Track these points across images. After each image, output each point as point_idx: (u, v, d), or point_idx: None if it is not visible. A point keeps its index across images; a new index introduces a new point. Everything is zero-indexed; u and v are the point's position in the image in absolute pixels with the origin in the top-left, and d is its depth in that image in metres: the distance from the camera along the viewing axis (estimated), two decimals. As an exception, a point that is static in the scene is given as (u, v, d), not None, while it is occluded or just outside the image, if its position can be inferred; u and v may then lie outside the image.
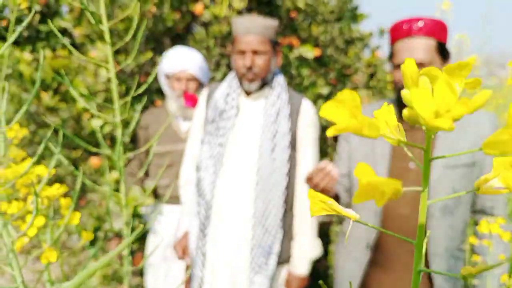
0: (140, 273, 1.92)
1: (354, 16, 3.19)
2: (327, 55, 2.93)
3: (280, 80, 1.49)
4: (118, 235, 1.72)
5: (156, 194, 1.79)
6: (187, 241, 1.52)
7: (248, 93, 1.48)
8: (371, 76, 3.18)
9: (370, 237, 1.26)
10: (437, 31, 1.17)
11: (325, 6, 2.48)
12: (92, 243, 1.70)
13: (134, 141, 1.93)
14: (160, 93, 2.13)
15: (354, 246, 1.31)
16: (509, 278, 0.88)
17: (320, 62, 2.82)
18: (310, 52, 2.22)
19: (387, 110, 0.28)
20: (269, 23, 1.39)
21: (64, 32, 2.20)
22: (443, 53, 1.18)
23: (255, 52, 1.39)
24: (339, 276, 1.37)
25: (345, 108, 0.22)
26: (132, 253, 1.85)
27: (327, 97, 2.52)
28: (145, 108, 1.92)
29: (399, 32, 1.21)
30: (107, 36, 0.61)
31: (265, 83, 1.46)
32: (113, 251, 0.22)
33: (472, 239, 1.01)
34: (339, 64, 3.02)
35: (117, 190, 1.77)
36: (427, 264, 1.20)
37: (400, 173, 1.23)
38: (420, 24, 1.17)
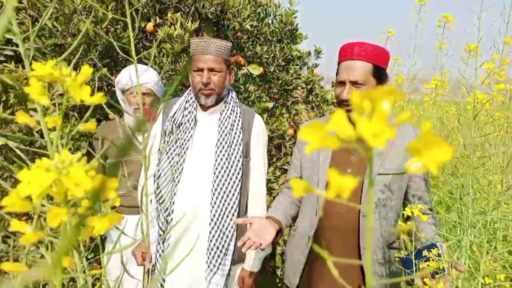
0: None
1: (294, 37, 3.46)
2: (270, 72, 3.16)
3: (233, 96, 1.65)
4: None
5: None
6: (145, 247, 1.60)
7: (204, 108, 1.62)
8: (310, 91, 3.46)
9: (311, 232, 1.46)
10: (374, 56, 1.37)
11: (268, 27, 2.70)
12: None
13: (88, 153, 1.97)
14: (112, 107, 2.19)
15: (299, 239, 1.51)
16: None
17: (264, 78, 3.04)
18: (256, 70, 2.42)
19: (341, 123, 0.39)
20: (224, 45, 1.56)
21: (8, 43, 2.19)
22: (378, 75, 1.39)
23: (211, 70, 1.54)
24: (288, 264, 1.57)
25: (316, 133, 0.36)
26: (88, 263, 1.87)
27: (271, 111, 2.73)
28: (99, 121, 1.98)
29: (344, 54, 1.43)
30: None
31: (220, 98, 1.61)
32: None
33: (408, 210, 1.15)
34: (281, 80, 3.26)
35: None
36: (359, 254, 1.41)
37: (341, 159, 1.45)
38: (360, 49, 1.39)
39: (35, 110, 1.76)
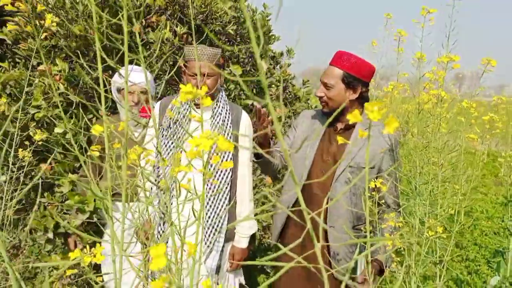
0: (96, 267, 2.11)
1: (268, 38, 3.70)
2: (247, 70, 3.39)
3: (223, 94, 1.88)
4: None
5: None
6: (149, 227, 1.80)
7: (197, 105, 1.83)
8: (283, 89, 3.72)
9: (291, 201, 1.73)
10: (349, 65, 1.61)
11: (247, 30, 2.93)
12: (52, 240, 1.86)
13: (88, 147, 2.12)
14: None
15: (282, 205, 1.80)
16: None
17: (241, 77, 3.27)
18: (238, 71, 2.64)
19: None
20: (215, 51, 1.77)
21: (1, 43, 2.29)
22: (347, 81, 1.62)
23: (203, 74, 1.75)
24: (272, 227, 1.87)
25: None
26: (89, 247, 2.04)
27: (250, 111, 2.97)
28: (97, 117, 2.14)
29: (331, 59, 1.69)
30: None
31: (212, 97, 1.83)
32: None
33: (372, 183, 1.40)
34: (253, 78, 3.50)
35: (72, 190, 1.95)
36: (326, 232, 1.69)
37: (324, 148, 1.72)
38: (338, 58, 1.65)
39: (38, 107, 1.91)
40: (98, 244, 0.74)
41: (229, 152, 1.80)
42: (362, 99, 1.71)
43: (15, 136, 1.16)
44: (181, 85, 0.58)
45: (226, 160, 1.79)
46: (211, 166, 1.75)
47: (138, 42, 0.75)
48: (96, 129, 0.75)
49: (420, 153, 1.27)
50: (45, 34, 2.00)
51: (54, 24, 0.98)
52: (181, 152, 1.77)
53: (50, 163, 2.04)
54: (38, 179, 1.98)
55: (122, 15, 0.76)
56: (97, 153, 0.87)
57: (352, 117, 0.48)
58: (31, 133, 1.56)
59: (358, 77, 1.63)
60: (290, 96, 3.77)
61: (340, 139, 0.55)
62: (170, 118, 1.80)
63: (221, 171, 1.77)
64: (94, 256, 0.71)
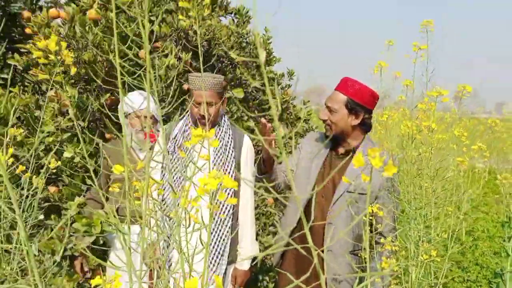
0: None
1: (269, 60, 3.80)
2: (248, 92, 3.47)
3: (225, 119, 1.94)
4: (82, 254, 1.96)
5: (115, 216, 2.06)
6: (154, 250, 1.84)
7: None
8: (284, 110, 3.80)
9: (293, 224, 1.80)
10: (353, 92, 1.68)
11: (249, 54, 3.02)
12: (58, 262, 1.90)
13: (94, 170, 2.18)
14: (107, 127, 2.41)
15: (283, 229, 1.83)
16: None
17: (243, 99, 3.35)
18: (240, 94, 2.72)
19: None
20: (218, 80, 1.84)
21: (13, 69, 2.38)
22: (350, 107, 1.68)
23: (207, 103, 1.82)
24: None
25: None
26: (92, 270, 2.07)
27: (253, 130, 3.03)
28: (104, 140, 2.20)
29: (337, 84, 1.76)
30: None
31: (215, 123, 1.89)
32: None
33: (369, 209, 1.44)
34: (258, 100, 3.58)
35: (79, 213, 2.00)
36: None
37: (325, 172, 1.77)
38: (343, 84, 1.71)
39: (49, 133, 1.97)
40: (116, 273, 0.79)
41: (232, 174, 1.86)
42: (364, 126, 1.76)
43: (31, 163, 1.22)
44: (192, 129, 0.64)
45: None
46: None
47: (148, 65, 0.82)
48: (117, 169, 0.81)
49: (413, 179, 1.32)
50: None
51: (71, 59, 1.05)
52: (187, 181, 1.83)
53: (58, 186, 2.10)
54: (47, 202, 2.03)
55: (130, 42, 0.83)
56: (117, 189, 0.92)
57: (356, 162, 0.53)
58: (44, 160, 1.62)
59: (361, 104, 1.69)
60: (291, 116, 3.84)
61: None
62: (175, 143, 1.86)
63: (226, 203, 1.83)
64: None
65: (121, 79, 0.81)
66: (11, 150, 0.84)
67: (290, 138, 3.63)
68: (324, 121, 1.76)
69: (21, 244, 0.75)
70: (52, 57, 0.83)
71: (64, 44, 0.82)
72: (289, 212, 1.91)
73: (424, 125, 1.24)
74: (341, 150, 1.79)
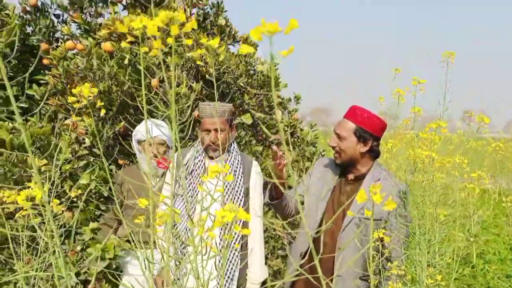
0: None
1: (276, 85, 3.90)
2: (256, 118, 3.55)
3: (235, 146, 2.01)
4: (96, 278, 2.00)
5: (129, 241, 2.11)
6: (166, 275, 1.88)
7: (211, 157, 1.96)
8: (291, 134, 3.86)
9: (303, 249, 1.81)
10: (361, 120, 1.73)
11: (257, 82, 3.12)
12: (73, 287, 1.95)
13: (108, 196, 2.25)
14: (122, 153, 2.49)
15: (293, 255, 1.86)
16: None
17: (252, 124, 3.43)
18: (248, 120, 2.80)
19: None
20: (227, 108, 1.92)
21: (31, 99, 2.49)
22: (359, 134, 1.74)
23: (217, 130, 1.90)
24: (283, 273, 1.92)
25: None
26: (105, 294, 2.11)
27: (261, 153, 3.10)
28: (118, 167, 2.28)
29: (345, 112, 1.81)
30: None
31: (224, 149, 1.96)
32: None
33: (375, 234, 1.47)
34: (266, 124, 3.66)
35: (93, 238, 2.06)
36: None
37: (335, 198, 1.81)
38: (352, 111, 1.77)
39: (65, 161, 2.06)
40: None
41: (241, 199, 1.91)
42: (373, 152, 1.81)
43: (52, 191, 1.28)
44: (209, 165, 0.70)
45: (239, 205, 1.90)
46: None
47: (172, 102, 0.89)
48: (142, 202, 0.87)
49: (416, 206, 1.37)
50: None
51: (91, 94, 1.13)
52: (197, 206, 1.89)
53: (73, 211, 2.16)
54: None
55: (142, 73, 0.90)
56: (141, 220, 0.99)
57: (359, 197, 0.59)
58: (65, 187, 1.70)
59: (369, 132, 1.74)
60: (298, 140, 3.91)
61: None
62: (186, 169, 1.93)
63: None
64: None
65: (140, 107, 0.88)
66: (47, 187, 0.90)
67: (297, 161, 3.68)
68: (333, 147, 1.81)
69: (59, 271, 0.81)
70: (84, 101, 0.90)
71: (95, 90, 0.90)
72: (300, 237, 1.94)
73: (425, 155, 1.30)
74: (351, 176, 1.83)
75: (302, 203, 1.92)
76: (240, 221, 1.89)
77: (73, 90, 0.89)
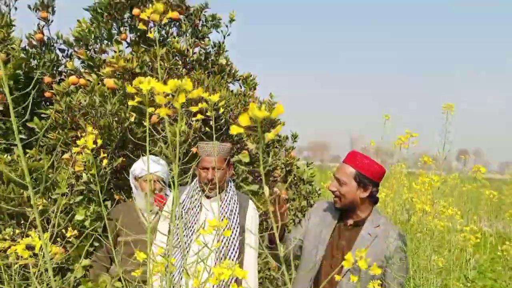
0: None
1: (274, 123, 3.94)
2: (253, 154, 3.57)
3: (232, 186, 2.01)
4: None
5: (120, 279, 2.06)
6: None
7: (208, 197, 1.96)
8: (288, 172, 3.87)
9: None
10: (361, 165, 1.75)
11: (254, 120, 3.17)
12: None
13: (103, 232, 2.22)
14: (118, 188, 2.49)
15: None
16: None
17: (249, 161, 3.44)
18: (246, 158, 2.82)
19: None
20: (225, 147, 1.95)
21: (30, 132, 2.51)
22: (358, 179, 1.74)
23: (214, 168, 1.91)
24: None
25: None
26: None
27: (257, 193, 3.09)
28: (113, 201, 2.26)
29: (345, 157, 1.83)
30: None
31: (221, 188, 1.96)
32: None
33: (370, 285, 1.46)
34: (263, 161, 3.67)
35: (85, 276, 2.01)
36: None
37: (334, 243, 1.79)
38: (351, 157, 1.79)
39: (63, 194, 2.05)
40: None
41: (237, 239, 1.89)
42: (372, 198, 1.82)
43: (49, 231, 1.27)
44: (208, 220, 0.71)
45: (234, 248, 1.87)
46: (218, 254, 1.83)
47: (177, 149, 0.90)
48: (140, 256, 0.87)
49: (412, 257, 1.37)
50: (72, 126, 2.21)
51: (93, 136, 1.15)
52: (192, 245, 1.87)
53: (65, 247, 2.13)
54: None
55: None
56: (139, 273, 0.98)
57: (346, 263, 0.59)
58: (63, 230, 1.67)
59: (370, 178, 1.75)
60: (295, 178, 3.91)
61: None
62: (182, 207, 1.92)
63: (228, 257, 1.84)
64: None
65: (138, 144, 0.89)
66: (46, 235, 0.90)
67: (293, 199, 3.67)
68: (333, 192, 1.81)
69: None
70: (87, 151, 0.92)
71: (100, 141, 0.92)
72: (299, 280, 1.89)
73: (418, 208, 1.31)
74: (350, 221, 1.82)
75: (300, 247, 1.90)
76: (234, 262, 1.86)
77: (78, 142, 0.91)
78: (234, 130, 0.59)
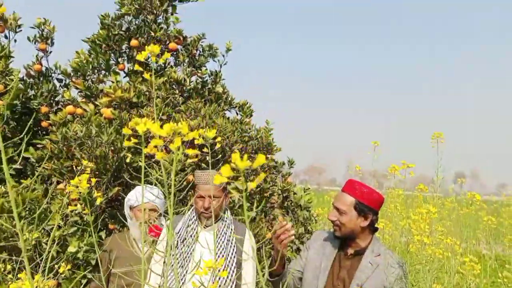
0: None
1: (271, 149, 3.95)
2: (250, 180, 3.56)
3: (228, 214, 2.00)
4: None
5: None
6: None
7: (205, 226, 1.94)
8: (285, 198, 3.86)
9: None
10: (360, 194, 1.74)
11: (252, 147, 3.18)
12: None
13: (96, 263, 2.18)
14: (113, 218, 2.46)
15: None
16: None
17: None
18: (242, 186, 2.81)
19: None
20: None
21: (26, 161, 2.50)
22: (359, 208, 1.74)
23: (210, 197, 1.90)
24: None
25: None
26: None
27: (253, 220, 3.07)
28: (108, 231, 2.24)
29: (343, 186, 1.83)
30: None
31: (218, 218, 1.95)
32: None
33: None
34: (259, 188, 3.66)
35: (78, 310, 1.96)
36: None
37: (334, 272, 1.77)
38: (350, 185, 1.79)
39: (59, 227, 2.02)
40: None
41: (234, 270, 1.86)
42: (372, 226, 1.80)
43: (41, 265, 1.26)
44: (203, 260, 0.71)
45: (230, 279, 1.84)
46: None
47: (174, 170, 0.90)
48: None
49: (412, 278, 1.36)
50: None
51: (89, 169, 1.15)
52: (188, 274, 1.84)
53: (58, 280, 2.09)
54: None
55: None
56: None
57: None
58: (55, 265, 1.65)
59: (369, 206, 1.75)
60: (292, 204, 3.89)
61: None
62: (178, 237, 1.90)
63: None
64: None
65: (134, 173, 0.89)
66: (37, 277, 0.89)
67: (292, 226, 3.64)
68: (333, 222, 1.79)
69: None
70: (82, 190, 0.92)
71: (94, 180, 0.93)
72: None
73: (417, 239, 1.31)
74: (351, 250, 1.79)
75: (300, 279, 1.87)
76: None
77: (72, 181, 0.92)
78: (217, 180, 0.60)
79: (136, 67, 1.01)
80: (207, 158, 2.69)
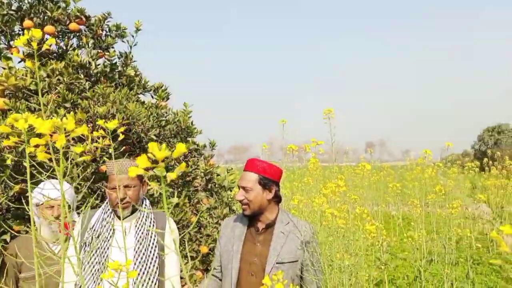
0: None
1: (190, 132, 3.89)
2: (172, 165, 3.49)
3: (147, 204, 1.94)
4: None
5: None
6: None
7: (120, 216, 1.86)
8: (208, 180, 3.85)
9: None
10: (261, 169, 1.84)
11: (170, 132, 3.09)
12: None
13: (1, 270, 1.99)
14: (18, 218, 2.25)
15: None
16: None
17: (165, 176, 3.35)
18: (162, 172, 2.73)
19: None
20: (136, 163, 1.87)
21: None
22: (263, 183, 1.83)
23: (126, 186, 1.82)
24: None
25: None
26: None
27: (177, 205, 3.02)
28: (11, 236, 2.04)
29: (245, 166, 1.87)
30: None
31: (135, 208, 1.87)
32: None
33: None
34: (181, 172, 3.60)
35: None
36: None
37: (248, 250, 1.82)
38: (251, 163, 1.85)
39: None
40: None
41: (156, 260, 1.82)
42: (277, 198, 1.91)
43: None
44: (109, 263, 0.67)
45: (153, 269, 1.80)
46: (136, 278, 1.75)
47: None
48: None
49: (326, 249, 1.46)
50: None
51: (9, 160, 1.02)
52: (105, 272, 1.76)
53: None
54: None
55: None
56: None
57: None
58: None
59: (271, 179, 1.85)
60: (216, 186, 3.90)
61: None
62: (92, 233, 1.79)
63: (147, 283, 1.77)
64: None
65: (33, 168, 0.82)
66: None
67: (216, 208, 3.66)
68: (241, 201, 1.85)
69: None
70: None
71: None
72: None
73: (328, 212, 1.41)
74: (261, 225, 1.88)
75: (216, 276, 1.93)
76: (152, 280, 1.79)
77: None
78: (132, 172, 0.56)
79: (15, 54, 0.90)
80: (110, 150, 2.56)
